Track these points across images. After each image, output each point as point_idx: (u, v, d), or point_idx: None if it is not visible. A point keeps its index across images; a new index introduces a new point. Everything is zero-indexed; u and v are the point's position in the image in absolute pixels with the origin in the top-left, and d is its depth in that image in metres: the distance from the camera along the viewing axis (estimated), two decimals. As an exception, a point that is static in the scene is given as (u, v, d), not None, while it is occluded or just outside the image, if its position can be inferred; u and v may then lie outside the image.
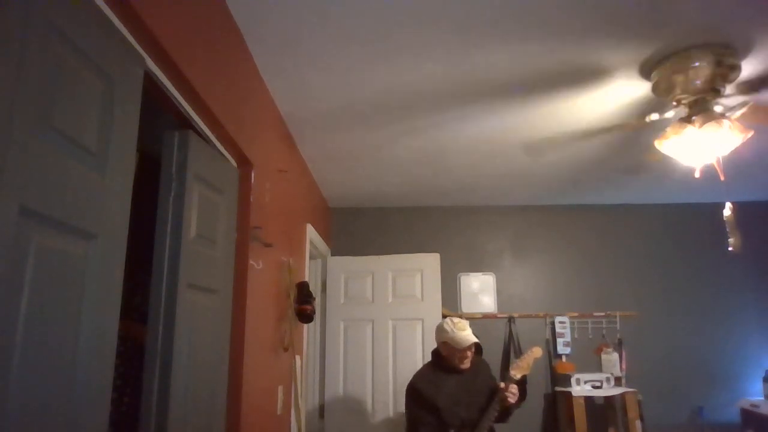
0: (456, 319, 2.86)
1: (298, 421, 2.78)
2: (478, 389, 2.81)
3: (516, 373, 2.72)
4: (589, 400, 3.81)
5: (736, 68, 2.19)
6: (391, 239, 4.45)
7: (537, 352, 2.81)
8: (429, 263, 4.20)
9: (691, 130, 2.24)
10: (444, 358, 2.85)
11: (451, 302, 4.30)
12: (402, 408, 3.90)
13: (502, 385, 2.71)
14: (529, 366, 2.76)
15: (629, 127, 2.71)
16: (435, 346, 2.96)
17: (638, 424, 3.71)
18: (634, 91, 2.45)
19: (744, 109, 2.24)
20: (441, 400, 2.70)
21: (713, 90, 2.26)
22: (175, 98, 1.56)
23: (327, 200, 4.39)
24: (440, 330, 2.86)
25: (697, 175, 2.44)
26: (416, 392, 2.79)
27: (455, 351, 2.78)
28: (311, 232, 3.53)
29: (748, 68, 2.23)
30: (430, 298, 4.13)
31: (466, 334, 2.77)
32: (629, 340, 4.20)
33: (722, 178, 2.42)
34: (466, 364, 2.80)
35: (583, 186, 4.03)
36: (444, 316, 4.04)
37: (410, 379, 2.92)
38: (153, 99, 1.52)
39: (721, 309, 4.31)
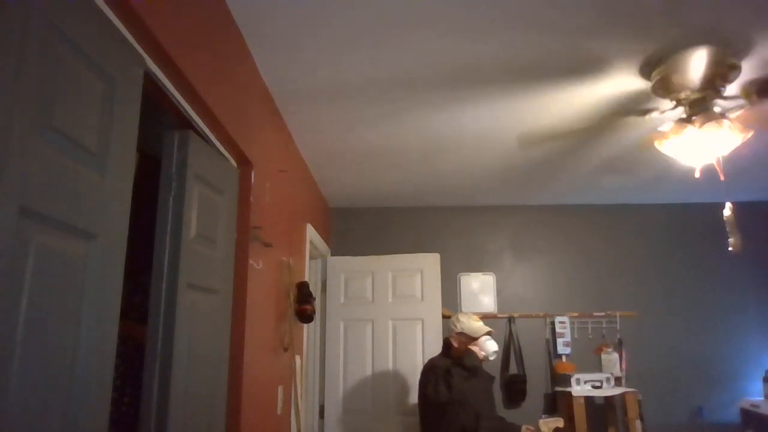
0: (469, 313, 3.25)
1: (298, 421, 2.78)
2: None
3: (542, 428, 3.01)
4: (589, 400, 3.80)
5: (736, 68, 2.19)
6: (391, 239, 4.44)
7: (561, 422, 3.15)
8: (429, 263, 4.19)
9: (691, 130, 2.24)
10: (455, 349, 3.05)
11: (451, 302, 4.30)
12: (402, 405, 3.91)
13: (526, 428, 2.93)
14: (550, 430, 3.05)
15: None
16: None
17: (638, 424, 3.71)
18: (633, 90, 2.45)
19: (740, 112, 2.25)
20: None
21: (713, 90, 2.26)
22: (175, 98, 1.56)
23: (327, 200, 4.38)
24: (455, 321, 3.13)
25: (697, 175, 2.44)
26: (449, 375, 2.94)
27: (470, 341, 3.02)
28: (311, 232, 3.53)
29: (748, 68, 2.23)
30: (430, 298, 4.13)
31: (481, 324, 3.09)
32: (629, 340, 4.19)
33: (722, 178, 2.42)
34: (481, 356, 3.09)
35: (583, 186, 4.02)
36: (444, 316, 4.05)
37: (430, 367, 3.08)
38: (153, 99, 1.52)
39: (721, 309, 4.30)
